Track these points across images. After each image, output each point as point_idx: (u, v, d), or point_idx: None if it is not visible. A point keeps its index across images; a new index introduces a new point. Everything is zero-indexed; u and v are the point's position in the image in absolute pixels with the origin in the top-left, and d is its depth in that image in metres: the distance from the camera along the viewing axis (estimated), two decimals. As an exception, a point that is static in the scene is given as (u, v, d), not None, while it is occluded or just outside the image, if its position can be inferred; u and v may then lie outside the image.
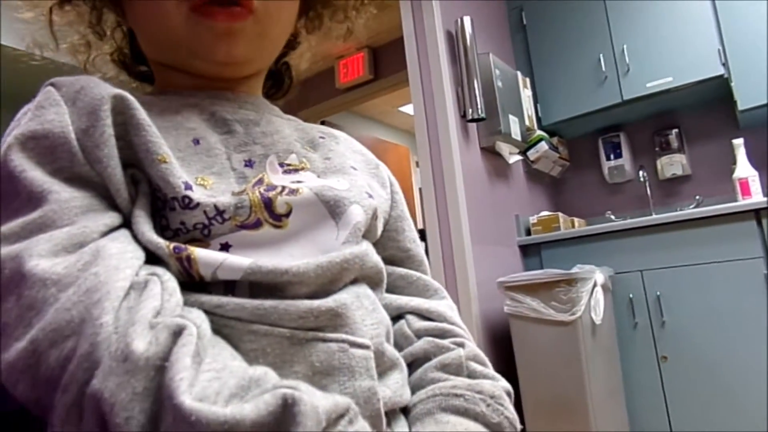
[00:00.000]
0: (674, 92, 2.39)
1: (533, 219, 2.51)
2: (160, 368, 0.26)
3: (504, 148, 2.37)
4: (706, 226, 2.01)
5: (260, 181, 0.39)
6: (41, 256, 0.30)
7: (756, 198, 2.06)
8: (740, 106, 2.19)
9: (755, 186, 2.11)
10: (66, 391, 0.27)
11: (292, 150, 0.44)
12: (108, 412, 0.26)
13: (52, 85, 0.38)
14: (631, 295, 2.13)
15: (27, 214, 0.32)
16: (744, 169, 2.15)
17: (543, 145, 2.54)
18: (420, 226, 4.44)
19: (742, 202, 2.00)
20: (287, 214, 0.37)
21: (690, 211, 2.07)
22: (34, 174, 0.33)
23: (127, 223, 0.35)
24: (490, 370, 0.44)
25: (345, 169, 0.45)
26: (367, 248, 0.41)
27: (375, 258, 0.42)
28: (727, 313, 1.93)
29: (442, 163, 2.10)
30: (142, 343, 0.27)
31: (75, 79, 0.38)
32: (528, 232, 2.51)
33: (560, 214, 2.47)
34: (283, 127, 0.47)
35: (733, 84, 2.21)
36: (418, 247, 0.52)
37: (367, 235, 0.43)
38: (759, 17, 2.16)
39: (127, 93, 0.37)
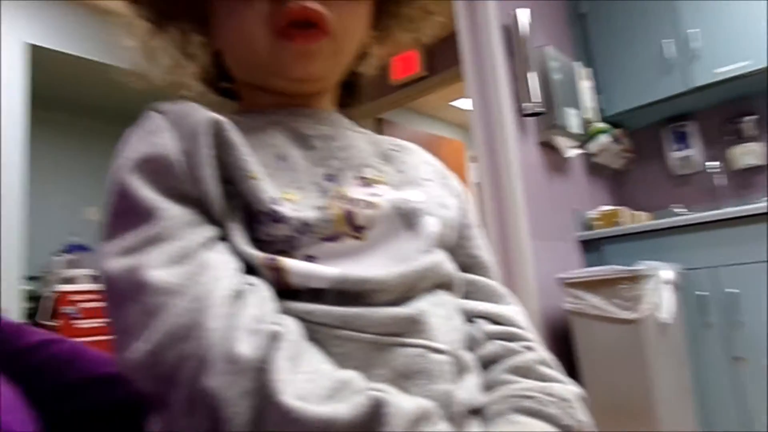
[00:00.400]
0: (749, 77, 2.25)
1: (593, 213, 2.44)
2: (261, 370, 0.30)
3: (562, 142, 2.31)
4: (785, 220, 1.89)
5: (340, 195, 0.41)
6: (156, 267, 0.33)
7: (843, 189, 1.91)
8: (825, 91, 2.03)
9: (842, 176, 1.96)
10: (181, 387, 0.31)
11: (368, 164, 0.46)
12: (218, 407, 0.29)
13: (157, 110, 0.41)
14: (701, 293, 2.04)
15: (142, 229, 0.35)
16: (829, 157, 2.00)
17: (604, 138, 2.46)
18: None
19: (827, 194, 1.86)
20: (367, 227, 0.40)
21: (766, 204, 1.94)
22: (147, 193, 0.36)
23: (223, 235, 0.38)
24: (559, 374, 0.45)
25: (418, 181, 0.47)
26: (442, 257, 0.43)
27: (449, 266, 0.44)
28: (810, 313, 1.81)
29: (499, 158, 2.08)
30: (245, 347, 0.30)
31: (177, 105, 0.41)
32: (588, 227, 2.45)
33: (623, 208, 2.39)
34: (358, 141, 0.49)
35: (816, 66, 2.06)
36: (486, 253, 0.53)
37: (441, 243, 0.44)
38: None
39: (222, 117, 0.40)
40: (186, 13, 0.48)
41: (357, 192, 0.42)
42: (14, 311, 2.47)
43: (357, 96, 0.58)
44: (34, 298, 3.06)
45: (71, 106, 3.86)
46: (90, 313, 2.96)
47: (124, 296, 0.34)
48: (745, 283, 1.95)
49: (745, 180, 2.50)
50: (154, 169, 0.37)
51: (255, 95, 0.49)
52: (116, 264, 0.35)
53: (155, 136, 0.39)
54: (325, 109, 0.51)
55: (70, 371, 0.52)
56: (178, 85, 0.52)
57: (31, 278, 3.05)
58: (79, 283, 3.07)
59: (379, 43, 0.55)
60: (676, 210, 2.59)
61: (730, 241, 2.00)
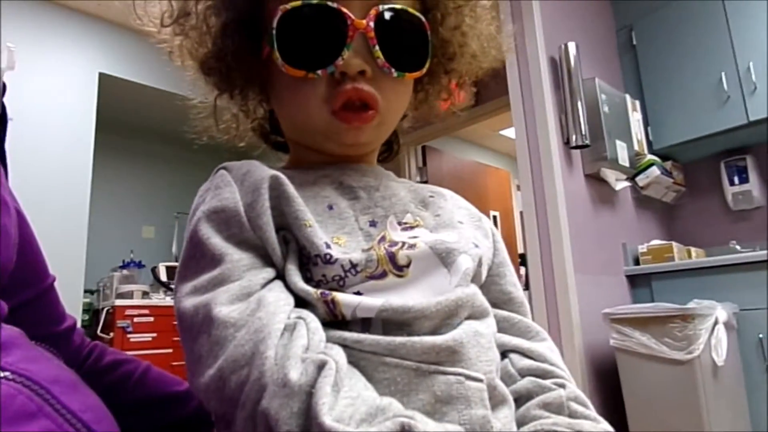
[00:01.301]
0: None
1: (642, 248, 2.37)
2: (309, 393, 0.33)
3: (609, 174, 2.27)
4: None
5: (383, 238, 0.46)
6: (223, 304, 0.39)
7: None
8: None
9: None
10: (243, 408, 0.35)
11: (407, 210, 0.51)
12: (273, 426, 0.33)
13: (225, 168, 0.48)
14: (760, 335, 1.94)
15: (211, 271, 0.41)
16: None
17: (654, 170, 2.41)
18: (520, 250, 4.33)
19: None
20: (408, 265, 0.44)
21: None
22: (216, 240, 0.43)
23: (279, 275, 0.44)
24: (591, 411, 0.46)
25: (453, 223, 0.51)
26: (475, 290, 0.46)
27: (482, 298, 0.47)
28: None
29: (545, 189, 2.07)
30: (296, 374, 0.34)
31: (241, 164, 0.48)
32: (636, 262, 2.38)
33: (674, 243, 2.31)
34: (399, 190, 0.53)
35: None
36: (519, 290, 0.56)
37: (474, 279, 0.48)
38: None
39: (280, 173, 0.46)
40: (249, 81, 0.54)
41: (398, 235, 0.47)
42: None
43: (396, 152, 0.64)
44: (88, 310, 3.23)
45: (131, 129, 4.10)
46: (141, 328, 3.10)
47: (197, 329, 0.39)
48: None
49: (809, 218, 2.37)
50: (222, 220, 0.44)
51: (305, 153, 0.55)
52: (189, 302, 0.41)
53: (223, 191, 0.45)
54: (370, 163, 0.57)
55: (140, 390, 0.57)
56: (235, 138, 0.58)
57: (88, 291, 3.22)
58: (133, 298, 3.22)
59: (416, 108, 0.60)
60: (734, 246, 2.48)
61: (791, 281, 1.90)
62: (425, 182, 3.63)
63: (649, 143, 2.54)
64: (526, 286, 2.22)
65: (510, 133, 4.51)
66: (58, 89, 2.88)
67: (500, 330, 0.51)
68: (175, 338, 3.18)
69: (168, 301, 3.32)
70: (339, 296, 0.41)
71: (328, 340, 0.39)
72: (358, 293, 0.42)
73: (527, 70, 2.18)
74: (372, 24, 0.46)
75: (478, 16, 0.56)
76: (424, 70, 0.51)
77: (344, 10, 0.46)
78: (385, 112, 0.49)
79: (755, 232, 2.51)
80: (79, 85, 2.97)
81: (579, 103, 2.12)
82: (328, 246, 0.43)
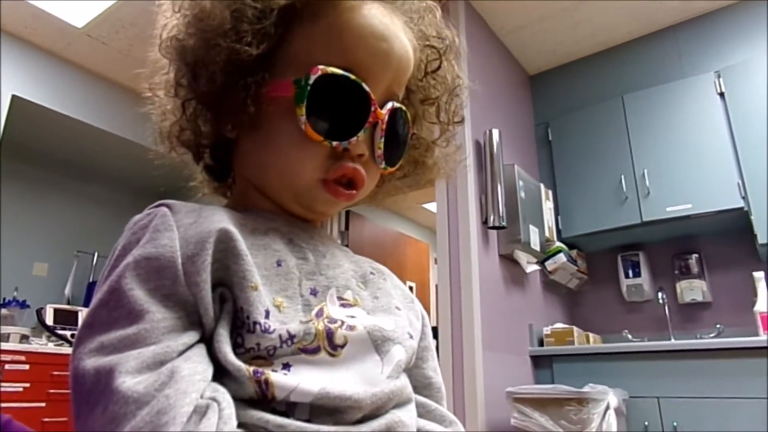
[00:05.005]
0: (694, 219, 2.44)
1: (547, 330, 2.48)
2: None
3: (522, 256, 2.40)
4: (727, 358, 1.96)
5: (321, 312, 0.45)
6: (129, 373, 0.34)
7: (777, 334, 2.02)
8: (760, 240, 2.21)
9: (777, 321, 2.07)
10: None
11: (348, 286, 0.50)
12: None
13: (168, 207, 0.44)
14: (646, 423, 2.05)
15: (125, 328, 0.37)
16: (765, 303, 2.13)
17: (561, 257, 2.57)
18: (433, 323, 4.38)
19: (764, 337, 1.96)
20: (343, 346, 0.43)
21: (709, 341, 2.03)
22: (138, 293, 0.38)
23: (204, 338, 0.40)
24: None
25: (390, 309, 0.51)
26: (406, 382, 0.47)
27: (409, 389, 0.48)
28: (749, 455, 1.83)
29: (461, 266, 2.14)
30: None
31: (190, 209, 0.44)
32: (540, 343, 2.48)
33: (575, 328, 2.44)
34: (343, 261, 0.53)
35: (752, 217, 2.25)
36: (439, 376, 0.57)
37: (403, 368, 0.48)
38: (777, 157, 2.24)
39: (231, 226, 0.43)
40: (231, 103, 0.48)
41: (336, 311, 0.46)
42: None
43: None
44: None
45: (37, 157, 3.79)
46: (13, 376, 2.74)
47: (94, 398, 0.35)
48: (687, 417, 1.97)
49: (690, 314, 2.61)
50: (153, 268, 0.39)
51: (257, 197, 0.52)
52: (91, 363, 0.36)
53: (162, 236, 0.41)
54: (316, 226, 0.56)
55: None
56: (168, 148, 0.53)
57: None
58: (9, 341, 2.87)
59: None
60: (626, 335, 2.66)
61: (674, 373, 2.05)
62: (346, 246, 3.64)
63: (558, 231, 2.73)
64: (436, 359, 2.23)
65: (432, 207, 4.68)
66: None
67: (417, 415, 0.51)
68: (52, 390, 2.84)
69: (50, 347, 2.99)
70: (273, 378, 0.38)
71: (248, 421, 0.36)
72: (287, 365, 0.40)
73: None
74: (386, 118, 0.48)
75: (446, 139, 0.61)
76: (397, 167, 0.54)
77: (373, 97, 0.47)
78: (361, 193, 0.51)
79: (645, 323, 2.71)
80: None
81: (499, 186, 2.25)
82: (267, 315, 0.41)
